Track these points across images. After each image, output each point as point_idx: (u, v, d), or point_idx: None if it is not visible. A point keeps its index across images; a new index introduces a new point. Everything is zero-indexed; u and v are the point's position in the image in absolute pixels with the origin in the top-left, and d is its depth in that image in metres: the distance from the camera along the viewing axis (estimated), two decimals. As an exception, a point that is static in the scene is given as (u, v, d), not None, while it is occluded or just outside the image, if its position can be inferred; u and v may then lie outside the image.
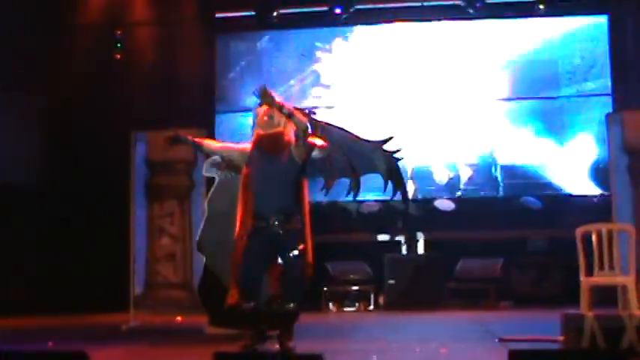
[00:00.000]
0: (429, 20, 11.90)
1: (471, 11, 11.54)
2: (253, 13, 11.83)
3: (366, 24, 11.97)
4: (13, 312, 10.42)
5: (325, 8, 11.74)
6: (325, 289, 10.52)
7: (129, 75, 11.46)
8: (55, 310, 10.26)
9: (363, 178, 6.33)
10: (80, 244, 11.05)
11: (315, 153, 6.03)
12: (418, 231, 11.18)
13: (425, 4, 11.68)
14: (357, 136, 6.67)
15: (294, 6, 11.87)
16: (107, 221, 10.68)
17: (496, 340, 6.26)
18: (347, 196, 6.35)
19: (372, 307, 10.44)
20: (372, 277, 10.68)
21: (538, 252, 11.23)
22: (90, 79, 11.36)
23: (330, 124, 6.70)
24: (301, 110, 6.54)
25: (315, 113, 6.59)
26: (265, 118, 5.76)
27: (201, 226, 7.34)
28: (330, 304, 10.46)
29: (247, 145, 5.94)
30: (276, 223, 5.67)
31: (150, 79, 11.65)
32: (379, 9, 11.84)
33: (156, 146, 10.81)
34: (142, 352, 5.96)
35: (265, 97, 5.70)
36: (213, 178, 6.72)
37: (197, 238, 7.37)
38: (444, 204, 11.33)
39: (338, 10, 11.64)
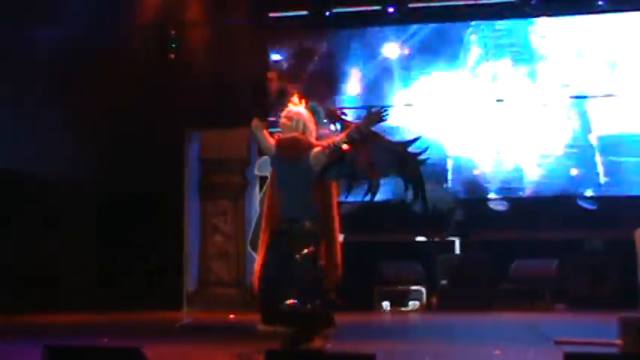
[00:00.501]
0: (482, 19, 11.76)
1: (526, 9, 11.38)
2: (306, 12, 11.84)
3: (420, 22, 11.87)
4: (68, 308, 10.61)
5: (378, 7, 11.69)
6: (378, 289, 10.47)
7: (183, 75, 11.55)
8: (110, 306, 10.40)
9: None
10: (135, 242, 11.17)
11: (339, 154, 6.05)
12: (471, 231, 11.06)
13: (480, 2, 11.53)
14: (383, 137, 6.67)
15: (348, 5, 11.85)
16: (161, 219, 10.80)
17: (551, 342, 6.15)
18: (364, 198, 6.33)
19: (424, 308, 10.37)
20: (425, 278, 10.61)
21: (594, 253, 11.01)
22: (144, 78, 11.48)
23: (359, 125, 6.71)
24: (334, 110, 6.55)
25: (345, 114, 6.59)
26: (285, 121, 5.81)
27: (253, 225, 7.37)
28: (383, 304, 10.42)
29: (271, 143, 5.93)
30: (292, 226, 5.71)
31: (203, 79, 11.73)
32: (433, 7, 11.76)
33: (209, 145, 10.91)
34: (194, 350, 5.99)
35: (369, 122, 5.75)
36: (266, 176, 6.75)
37: (250, 237, 7.44)
38: (498, 204, 11.20)
39: (391, 9, 11.57)
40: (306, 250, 5.66)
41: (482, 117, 11.55)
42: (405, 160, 6.47)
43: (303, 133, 5.81)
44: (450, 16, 11.78)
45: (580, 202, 11.10)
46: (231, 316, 9.32)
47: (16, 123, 10.07)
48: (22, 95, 10.23)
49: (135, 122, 11.34)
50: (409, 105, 11.64)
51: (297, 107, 5.95)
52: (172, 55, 11.79)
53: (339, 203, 6.79)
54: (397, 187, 6.26)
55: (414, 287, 10.48)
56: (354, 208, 11.28)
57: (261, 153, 6.43)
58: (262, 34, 12.15)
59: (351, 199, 6.99)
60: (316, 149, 5.70)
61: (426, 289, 10.49)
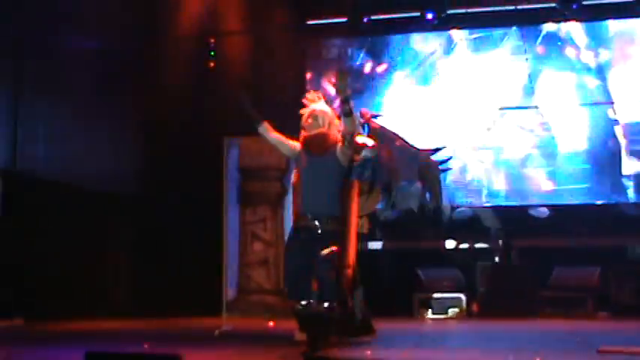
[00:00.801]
0: (522, 24, 11.66)
1: (566, 13, 11.27)
2: (344, 19, 11.85)
3: (458, 28, 11.81)
4: (110, 314, 10.71)
5: (417, 13, 11.66)
6: (417, 296, 10.42)
7: (221, 83, 11.62)
8: (151, 313, 10.49)
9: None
10: (175, 249, 11.26)
11: (365, 153, 6.04)
12: (512, 238, 10.96)
13: (518, 7, 11.44)
14: (408, 143, 6.70)
15: (386, 12, 11.84)
16: (201, 227, 10.87)
17: (595, 351, 6.06)
18: (385, 209, 6.37)
19: (464, 315, 10.29)
20: (465, 285, 10.54)
21: (638, 260, 10.83)
22: (184, 88, 11.58)
23: (385, 128, 6.73)
24: (366, 112, 6.56)
25: (376, 116, 6.60)
26: (310, 120, 5.84)
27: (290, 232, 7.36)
28: (423, 312, 10.36)
29: (297, 144, 5.98)
30: (316, 223, 5.71)
31: (242, 86, 11.76)
32: (472, 13, 11.69)
33: (248, 153, 10.95)
34: (233, 357, 6.00)
35: (342, 81, 5.70)
36: None
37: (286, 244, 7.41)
38: (539, 211, 11.08)
39: (430, 15, 11.53)
40: (328, 250, 5.67)
41: (522, 121, 11.46)
42: (427, 168, 6.53)
43: (328, 127, 5.82)
44: (490, 22, 11.70)
45: (622, 207, 10.95)
46: (271, 323, 9.33)
47: (56, 133, 10.21)
48: (64, 106, 10.37)
49: (174, 131, 11.44)
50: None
51: (319, 104, 5.97)
52: (212, 64, 11.86)
53: (377, 211, 6.82)
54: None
55: (453, 294, 10.40)
56: (392, 216, 11.30)
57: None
58: (300, 42, 12.19)
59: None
60: (340, 144, 5.74)
61: (466, 296, 10.40)
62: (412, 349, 6.74)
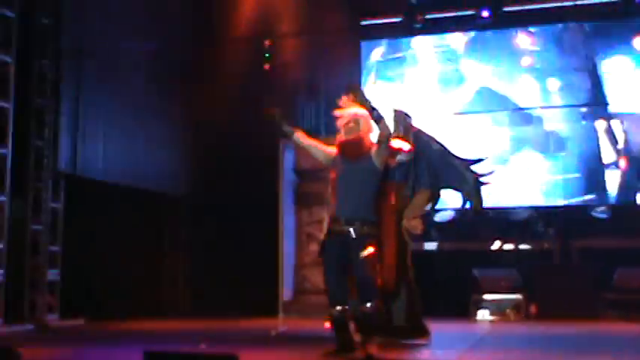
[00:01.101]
0: (584, 21, 11.44)
1: (630, 8, 11.01)
2: (399, 19, 11.79)
3: (515, 26, 11.65)
4: (168, 314, 10.86)
5: (472, 12, 11.53)
6: (475, 297, 10.30)
7: (277, 84, 11.67)
8: (208, 313, 10.59)
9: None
10: (232, 250, 11.34)
11: (401, 157, 6.09)
12: (571, 239, 10.77)
13: (578, 3, 11.22)
14: (447, 149, 6.68)
15: (441, 11, 11.75)
16: (257, 228, 10.93)
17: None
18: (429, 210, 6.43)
19: (523, 317, 10.14)
20: (523, 285, 10.38)
21: None
22: (240, 89, 11.66)
23: (422, 132, 6.72)
24: (399, 112, 6.55)
25: (410, 117, 6.59)
26: (351, 124, 5.92)
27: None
28: (480, 313, 10.24)
29: (333, 149, 6.07)
30: (351, 227, 5.75)
31: (297, 88, 11.82)
32: (528, 10, 11.53)
33: (304, 155, 10.96)
34: (289, 357, 6.03)
35: (357, 95, 5.81)
36: None
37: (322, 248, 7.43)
38: (599, 211, 10.86)
39: (485, 13, 11.39)
40: (366, 252, 5.67)
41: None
42: (466, 178, 6.54)
43: (367, 132, 5.93)
44: (548, 19, 11.52)
45: None
46: (327, 324, 9.32)
47: (115, 134, 10.37)
48: (123, 108, 10.53)
49: (230, 133, 11.52)
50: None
51: (357, 108, 6.01)
52: (267, 66, 11.91)
53: (430, 212, 6.81)
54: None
55: (511, 295, 10.26)
56: (449, 217, 11.23)
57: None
58: (355, 42, 12.18)
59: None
60: (376, 148, 5.83)
61: (525, 297, 10.25)
62: (469, 350, 6.68)
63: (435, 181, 6.75)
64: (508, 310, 10.19)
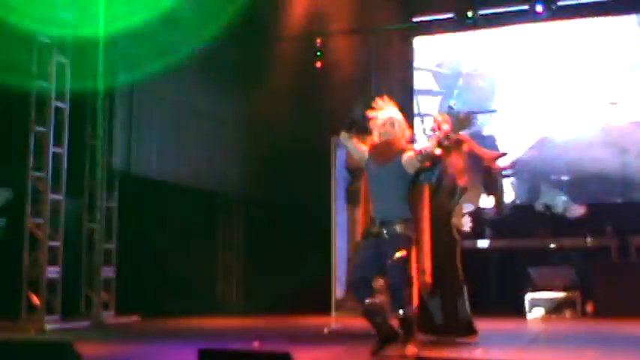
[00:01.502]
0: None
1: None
2: (451, 15, 11.68)
3: (569, 19, 11.45)
4: (222, 311, 10.94)
5: (526, 7, 11.35)
6: (529, 295, 10.17)
7: (329, 82, 11.66)
8: (262, 311, 10.64)
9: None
10: (285, 248, 11.38)
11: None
12: (630, 235, 10.55)
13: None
14: (475, 144, 6.70)
15: (494, 6, 11.60)
16: (310, 226, 10.95)
17: None
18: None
19: (579, 315, 9.97)
20: (579, 284, 10.21)
21: None
22: (291, 87, 11.68)
23: (447, 131, 6.73)
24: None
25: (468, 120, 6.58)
26: (387, 126, 5.97)
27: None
28: (535, 311, 10.10)
29: (366, 148, 6.10)
30: (383, 228, 5.78)
31: (349, 87, 11.78)
32: (584, 4, 11.33)
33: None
34: (342, 355, 6.03)
35: (462, 124, 5.89)
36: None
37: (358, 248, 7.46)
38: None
39: (539, 7, 11.20)
40: (398, 254, 5.64)
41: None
42: (489, 172, 6.55)
43: (400, 135, 5.98)
44: (605, 11, 11.29)
45: None
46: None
47: (167, 134, 10.46)
48: (174, 107, 10.62)
49: (282, 132, 11.55)
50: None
51: (393, 111, 6.10)
52: (319, 64, 11.91)
53: (480, 209, 6.79)
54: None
55: (567, 293, 10.09)
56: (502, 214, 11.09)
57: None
58: (406, 39, 12.11)
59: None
60: (409, 154, 5.83)
61: (581, 296, 10.08)
62: (524, 348, 6.60)
63: (457, 181, 6.76)
64: (563, 309, 10.02)
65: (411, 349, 5.69)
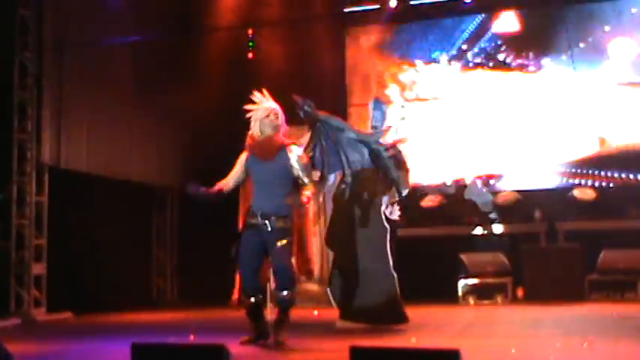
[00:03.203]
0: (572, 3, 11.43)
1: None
2: (379, 6, 11.75)
3: (498, 11, 11.62)
4: (157, 306, 10.81)
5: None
6: (461, 281, 10.33)
7: (261, 73, 11.62)
8: (196, 304, 10.59)
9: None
10: (218, 241, 11.28)
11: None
12: (557, 221, 10.81)
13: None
14: (355, 129, 6.87)
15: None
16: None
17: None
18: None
19: (510, 300, 10.17)
20: (510, 269, 10.41)
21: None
22: (224, 78, 11.60)
23: (331, 117, 6.85)
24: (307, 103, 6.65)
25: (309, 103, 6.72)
26: (272, 117, 6.15)
27: (328, 222, 7.43)
28: (467, 297, 10.27)
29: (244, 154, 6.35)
30: (266, 222, 6.01)
31: (281, 77, 11.76)
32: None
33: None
34: (276, 346, 6.03)
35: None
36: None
37: (325, 234, 7.54)
38: (584, 192, 10.88)
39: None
40: (281, 243, 6.00)
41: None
42: (377, 152, 6.71)
43: (282, 128, 6.21)
44: (536, 3, 11.49)
45: None
46: (315, 312, 9.34)
47: (99, 128, 10.33)
48: (106, 100, 10.48)
49: (216, 124, 11.48)
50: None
51: (272, 103, 6.28)
52: (250, 55, 11.86)
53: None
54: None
55: (498, 279, 10.29)
56: (433, 203, 11.24)
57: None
58: (338, 30, 12.15)
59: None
60: (296, 152, 6.16)
61: (512, 281, 10.29)
62: (457, 335, 6.71)
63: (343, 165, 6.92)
64: (494, 295, 10.21)
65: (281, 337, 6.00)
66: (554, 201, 10.96)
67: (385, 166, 6.95)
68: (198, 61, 11.73)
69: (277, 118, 6.17)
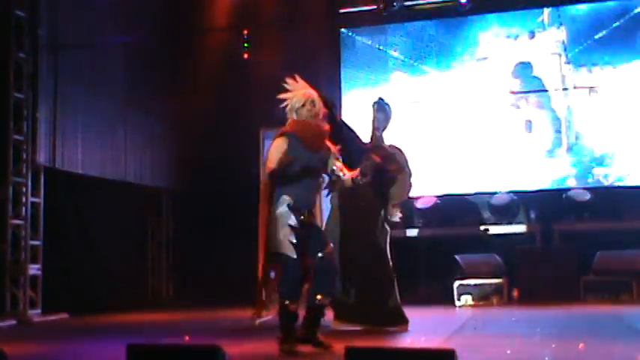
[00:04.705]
0: (559, 5, 11.46)
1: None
2: (375, 7, 11.74)
3: (492, 12, 11.65)
4: (152, 307, 10.80)
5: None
6: (457, 283, 10.34)
7: (257, 75, 11.62)
8: (191, 305, 10.59)
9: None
10: (214, 241, 11.31)
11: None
12: (552, 222, 10.82)
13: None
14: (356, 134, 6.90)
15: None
16: (239, 218, 10.89)
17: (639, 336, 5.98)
18: (326, 193, 6.48)
19: (505, 301, 10.18)
20: (505, 270, 10.42)
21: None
22: (219, 79, 11.60)
23: (343, 122, 6.86)
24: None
25: (335, 106, 6.69)
26: (309, 105, 5.83)
27: (325, 222, 7.41)
28: (463, 298, 10.28)
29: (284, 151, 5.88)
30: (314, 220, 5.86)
31: (276, 77, 11.73)
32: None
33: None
34: (273, 347, 6.02)
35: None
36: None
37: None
38: (580, 194, 10.90)
39: (463, 0, 11.33)
40: (331, 244, 5.88)
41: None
42: (365, 157, 6.67)
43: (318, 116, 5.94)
44: (526, 3, 11.51)
45: None
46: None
47: (94, 128, 10.32)
48: (101, 101, 10.48)
49: (211, 124, 11.48)
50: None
51: (305, 89, 6.08)
52: (246, 55, 11.85)
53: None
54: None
55: (493, 280, 10.29)
56: (429, 204, 11.25)
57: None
58: (333, 31, 12.15)
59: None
60: (333, 152, 5.92)
61: (507, 282, 10.29)
62: (453, 336, 6.71)
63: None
64: (490, 296, 10.21)
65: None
66: (550, 202, 10.98)
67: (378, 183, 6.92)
68: (193, 62, 11.73)
69: (314, 105, 5.81)
